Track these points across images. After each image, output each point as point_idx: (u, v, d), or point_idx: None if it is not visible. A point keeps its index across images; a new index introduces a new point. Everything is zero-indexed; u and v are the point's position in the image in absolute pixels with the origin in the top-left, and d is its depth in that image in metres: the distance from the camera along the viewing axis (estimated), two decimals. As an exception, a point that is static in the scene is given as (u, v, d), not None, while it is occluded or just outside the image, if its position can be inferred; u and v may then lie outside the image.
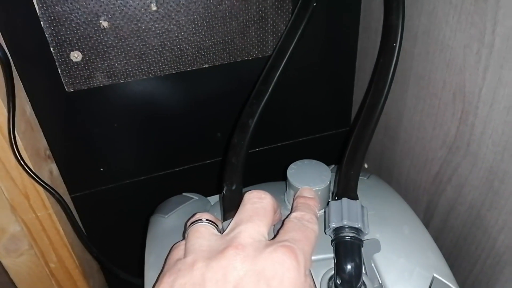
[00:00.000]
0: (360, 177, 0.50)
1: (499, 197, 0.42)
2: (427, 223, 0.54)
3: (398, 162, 0.59)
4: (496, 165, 0.42)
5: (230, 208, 0.40)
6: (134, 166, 0.62)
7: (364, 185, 0.49)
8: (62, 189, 0.57)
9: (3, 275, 0.55)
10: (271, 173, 0.54)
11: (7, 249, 0.52)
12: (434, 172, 0.51)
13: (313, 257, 0.40)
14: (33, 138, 0.50)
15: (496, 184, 0.42)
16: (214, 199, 0.52)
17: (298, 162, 0.47)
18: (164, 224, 0.46)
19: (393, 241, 0.41)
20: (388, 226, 0.43)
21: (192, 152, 0.63)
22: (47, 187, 0.46)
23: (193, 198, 0.51)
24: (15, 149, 0.42)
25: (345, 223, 0.38)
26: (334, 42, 0.61)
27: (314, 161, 0.47)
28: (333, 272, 0.38)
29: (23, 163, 0.43)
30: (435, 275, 0.39)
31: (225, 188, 0.41)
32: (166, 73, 0.53)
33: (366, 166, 0.66)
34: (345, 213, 0.38)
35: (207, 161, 0.65)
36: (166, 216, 0.47)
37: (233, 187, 0.41)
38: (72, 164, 0.57)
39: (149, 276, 0.41)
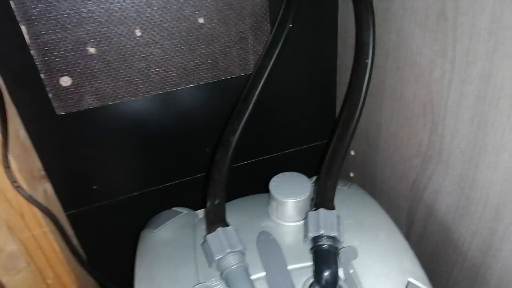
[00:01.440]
0: (340, 187, 0.53)
1: (470, 203, 0.45)
2: (408, 229, 0.57)
3: (379, 170, 0.61)
4: (465, 173, 0.44)
5: (212, 222, 0.42)
6: (126, 182, 0.64)
7: (344, 194, 0.51)
8: (57, 207, 0.59)
9: (2, 293, 0.56)
10: (255, 186, 0.56)
11: (6, 267, 0.54)
12: (411, 180, 0.54)
13: (294, 266, 0.43)
14: (27, 160, 0.53)
15: (466, 191, 0.45)
16: (201, 213, 0.54)
17: (280, 175, 0.49)
18: (153, 239, 0.49)
19: (370, 248, 0.43)
20: (366, 233, 0.45)
21: (182, 167, 0.66)
22: (41, 207, 0.48)
23: (182, 212, 0.53)
24: (9, 173, 0.44)
25: (322, 232, 0.40)
26: (315, 59, 0.63)
27: (295, 173, 0.50)
28: (313, 279, 0.41)
29: (16, 187, 0.45)
30: (409, 279, 0.41)
31: (208, 203, 0.44)
32: (153, 94, 0.55)
33: (352, 175, 0.68)
34: (322, 223, 0.41)
35: (198, 175, 0.67)
36: (155, 231, 0.49)
37: (216, 202, 0.43)
38: (66, 183, 0.59)
39: (139, 289, 0.43)
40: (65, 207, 0.61)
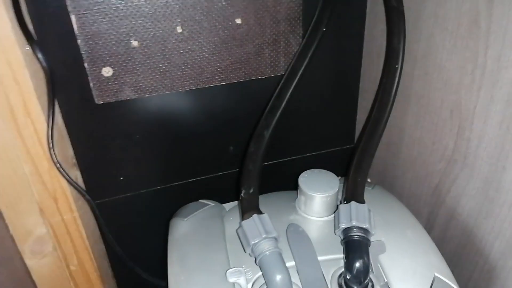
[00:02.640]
0: (365, 187, 0.54)
1: (494, 206, 0.46)
2: (428, 233, 0.58)
3: (400, 176, 0.63)
4: (491, 176, 0.46)
5: (248, 209, 0.43)
6: (152, 176, 0.65)
7: (370, 194, 0.53)
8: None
9: (25, 275, 0.57)
10: (282, 184, 0.58)
11: (33, 250, 0.55)
12: (434, 184, 0.55)
13: (323, 257, 0.44)
14: (62, 147, 0.54)
15: (491, 193, 0.46)
16: (228, 206, 0.56)
17: (309, 171, 0.51)
18: (184, 226, 0.50)
19: (397, 243, 0.45)
20: (392, 230, 0.46)
21: (206, 164, 0.67)
22: (78, 188, 0.50)
23: (209, 204, 0.55)
24: (53, 154, 0.46)
25: (353, 223, 0.41)
26: (340, 64, 0.66)
27: (323, 170, 0.51)
28: (342, 270, 0.42)
29: (59, 166, 0.46)
30: (436, 274, 0.42)
31: (243, 192, 0.45)
32: (187, 89, 0.57)
33: (369, 180, 0.69)
34: (354, 215, 0.42)
35: (219, 173, 0.69)
36: (185, 219, 0.51)
37: (251, 191, 0.45)
38: (95, 172, 0.61)
39: (173, 272, 0.44)
40: (92, 197, 0.62)
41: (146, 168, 0.64)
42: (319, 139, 0.72)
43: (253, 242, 0.40)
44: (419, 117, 0.56)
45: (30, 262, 0.56)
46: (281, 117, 0.51)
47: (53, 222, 0.54)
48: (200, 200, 0.56)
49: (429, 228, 0.57)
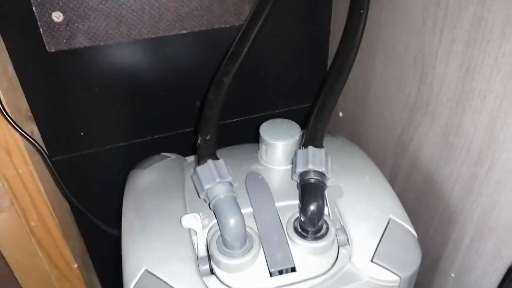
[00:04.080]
0: (329, 138, 0.53)
1: (453, 150, 0.46)
2: (392, 184, 0.58)
3: (367, 128, 0.62)
4: (451, 120, 0.45)
5: (203, 156, 0.42)
6: (114, 132, 0.63)
7: (333, 144, 0.52)
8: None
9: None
10: (248, 142, 0.56)
11: (-12, 205, 0.54)
12: (398, 134, 0.55)
13: (281, 203, 0.43)
14: (14, 97, 0.52)
15: (451, 138, 0.46)
16: (191, 158, 0.54)
17: (271, 121, 0.50)
18: (142, 177, 0.49)
19: (355, 189, 0.45)
20: (351, 176, 0.46)
21: (171, 120, 0.65)
22: (31, 140, 0.48)
23: (170, 156, 0.53)
24: (1, 104, 0.43)
25: (310, 167, 0.41)
26: (308, 19, 0.63)
27: (285, 120, 0.50)
28: (298, 215, 0.41)
29: (6, 115, 0.44)
30: (391, 216, 0.42)
31: (199, 138, 0.44)
32: (145, 37, 0.55)
33: (341, 114, 0.68)
34: (310, 159, 0.41)
35: (186, 130, 0.67)
36: (144, 170, 0.49)
37: (207, 137, 0.43)
38: (53, 126, 0.58)
39: (127, 219, 0.43)
40: (51, 153, 0.60)
41: (107, 124, 0.62)
42: (288, 95, 0.71)
43: (207, 187, 0.39)
44: (385, 66, 0.55)
45: (-14, 217, 0.55)
46: (242, 64, 0.49)
47: (8, 176, 0.52)
48: (162, 153, 0.55)
49: (393, 178, 0.57)
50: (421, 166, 0.52)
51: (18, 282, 0.61)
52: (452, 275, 0.50)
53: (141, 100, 0.62)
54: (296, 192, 0.43)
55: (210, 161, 0.41)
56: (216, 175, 0.40)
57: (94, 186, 0.66)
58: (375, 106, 0.59)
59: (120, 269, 0.40)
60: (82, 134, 0.61)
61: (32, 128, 0.56)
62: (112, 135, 0.63)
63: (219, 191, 0.39)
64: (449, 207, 0.48)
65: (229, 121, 0.69)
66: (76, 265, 0.63)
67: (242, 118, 0.70)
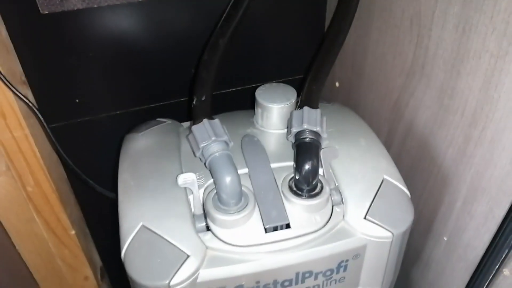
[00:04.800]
0: (325, 104, 0.53)
1: (448, 113, 0.46)
2: (387, 149, 0.58)
3: (363, 96, 0.62)
4: (446, 83, 0.45)
5: (199, 116, 0.42)
6: (110, 99, 0.63)
7: (328, 110, 0.52)
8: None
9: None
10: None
11: (-16, 169, 0.54)
12: (393, 100, 0.55)
13: (276, 164, 0.44)
14: (8, 60, 0.51)
15: (445, 101, 0.46)
16: (187, 124, 0.54)
17: (267, 85, 0.50)
18: (138, 140, 0.49)
19: (349, 150, 0.45)
20: (346, 138, 0.46)
21: (167, 88, 0.65)
22: (26, 101, 0.48)
23: (166, 121, 0.53)
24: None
25: (305, 127, 0.41)
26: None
27: (281, 84, 0.50)
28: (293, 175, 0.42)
29: (2, 77, 0.44)
30: (385, 176, 0.42)
31: (195, 99, 0.44)
32: (140, 0, 0.54)
33: (337, 84, 0.68)
34: (306, 118, 0.41)
35: (182, 99, 0.67)
36: (140, 134, 0.49)
37: (203, 98, 0.43)
38: (47, 92, 0.58)
39: (123, 179, 0.43)
40: (45, 120, 0.60)
41: (102, 91, 0.62)
42: (283, 65, 0.70)
43: (202, 145, 0.39)
44: (381, 32, 0.54)
45: (-17, 182, 0.55)
46: (237, 26, 0.49)
47: (3, 139, 0.52)
48: (158, 119, 0.55)
49: (388, 144, 0.58)
50: (416, 132, 0.52)
51: (15, 248, 0.62)
52: (445, 238, 0.51)
53: (136, 67, 0.61)
54: (291, 155, 0.44)
55: (205, 120, 0.41)
56: (212, 133, 0.40)
57: (89, 155, 0.66)
58: (371, 74, 0.59)
59: (117, 237, 0.40)
60: (77, 101, 0.61)
61: (27, 93, 0.56)
62: (108, 102, 0.63)
63: (215, 149, 0.39)
64: (442, 171, 0.49)
65: (225, 91, 0.69)
66: (73, 232, 0.64)
67: (238, 88, 0.70)
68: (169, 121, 0.54)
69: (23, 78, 0.55)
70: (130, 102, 0.65)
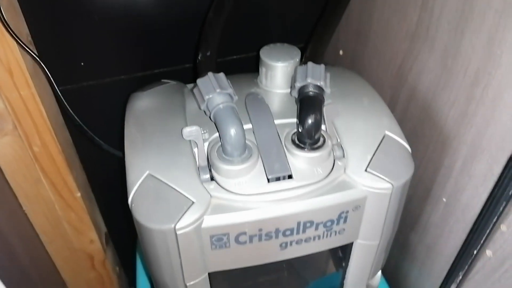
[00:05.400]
0: (328, 67, 0.54)
1: (451, 75, 0.47)
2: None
3: (367, 65, 0.62)
4: (450, 44, 0.46)
5: (203, 71, 0.43)
6: (115, 63, 0.64)
7: (332, 71, 0.52)
8: (44, 80, 0.59)
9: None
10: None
11: (-8, 128, 0.54)
12: (397, 66, 0.55)
13: (280, 121, 0.44)
14: (15, 19, 0.52)
15: (449, 62, 0.46)
16: (191, 85, 0.55)
17: (271, 44, 0.50)
18: (143, 98, 0.49)
19: (352, 109, 0.46)
20: (349, 98, 0.47)
21: (174, 53, 0.65)
22: (33, 56, 0.48)
23: (171, 82, 0.54)
24: (2, 17, 0.43)
25: (309, 81, 0.41)
26: None
27: (285, 44, 0.50)
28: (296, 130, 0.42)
29: (8, 27, 0.44)
30: (386, 132, 0.43)
31: (200, 55, 0.44)
32: (147, -39, 0.54)
33: (341, 53, 0.68)
34: (310, 73, 0.42)
35: (186, 65, 0.68)
36: (145, 92, 0.50)
37: (208, 53, 0.44)
38: (53, 54, 0.59)
39: (129, 133, 0.44)
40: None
41: (109, 55, 0.62)
42: (288, 33, 0.70)
43: (207, 97, 0.40)
44: (386, -4, 0.54)
45: (-10, 140, 0.56)
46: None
47: (10, 97, 0.53)
48: (163, 80, 0.55)
49: (391, 110, 0.58)
50: (418, 96, 0.52)
51: (22, 208, 0.63)
52: (444, 199, 0.52)
53: (142, 32, 0.61)
54: (294, 113, 0.44)
55: (210, 73, 0.41)
56: (216, 86, 0.40)
57: (93, 119, 0.66)
58: (376, 40, 0.59)
59: (123, 201, 0.40)
60: (82, 64, 0.61)
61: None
62: (113, 67, 0.64)
63: (219, 101, 0.40)
64: (443, 133, 0.50)
65: (228, 58, 0.69)
66: (79, 194, 0.65)
67: (242, 56, 0.70)
68: (173, 82, 0.55)
69: (29, 38, 0.56)
70: (135, 67, 0.65)
